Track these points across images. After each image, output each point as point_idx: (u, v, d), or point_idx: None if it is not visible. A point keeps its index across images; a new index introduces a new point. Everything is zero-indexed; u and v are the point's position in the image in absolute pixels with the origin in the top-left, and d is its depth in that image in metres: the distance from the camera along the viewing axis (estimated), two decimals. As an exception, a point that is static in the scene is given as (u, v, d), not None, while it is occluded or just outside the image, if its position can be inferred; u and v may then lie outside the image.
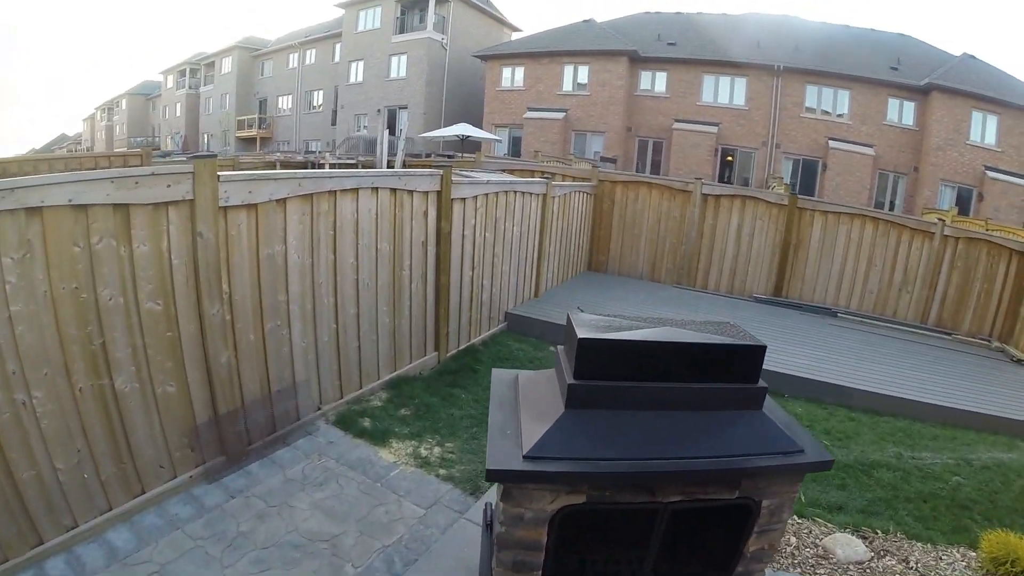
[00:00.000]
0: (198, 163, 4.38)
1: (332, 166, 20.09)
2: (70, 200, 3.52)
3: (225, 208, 4.58)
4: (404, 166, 19.09)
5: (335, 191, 5.64)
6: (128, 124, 66.00)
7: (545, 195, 9.88)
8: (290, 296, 5.35)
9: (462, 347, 8.00)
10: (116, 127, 68.99)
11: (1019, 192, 23.60)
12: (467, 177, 8.28)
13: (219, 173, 4.46)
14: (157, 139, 60.60)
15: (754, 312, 11.45)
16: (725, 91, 27.14)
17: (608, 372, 2.61)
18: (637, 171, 27.18)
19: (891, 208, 24.79)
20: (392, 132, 33.76)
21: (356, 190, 5.90)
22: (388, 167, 19.03)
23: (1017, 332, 10.92)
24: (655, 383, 2.65)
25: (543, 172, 13.34)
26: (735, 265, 12.55)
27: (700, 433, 2.62)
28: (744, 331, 2.88)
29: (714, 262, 12.70)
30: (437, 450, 5.62)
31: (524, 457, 2.38)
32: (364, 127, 37.30)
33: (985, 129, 24.52)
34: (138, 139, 60.64)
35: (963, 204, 23.70)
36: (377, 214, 6.21)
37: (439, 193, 7.00)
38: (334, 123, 40.84)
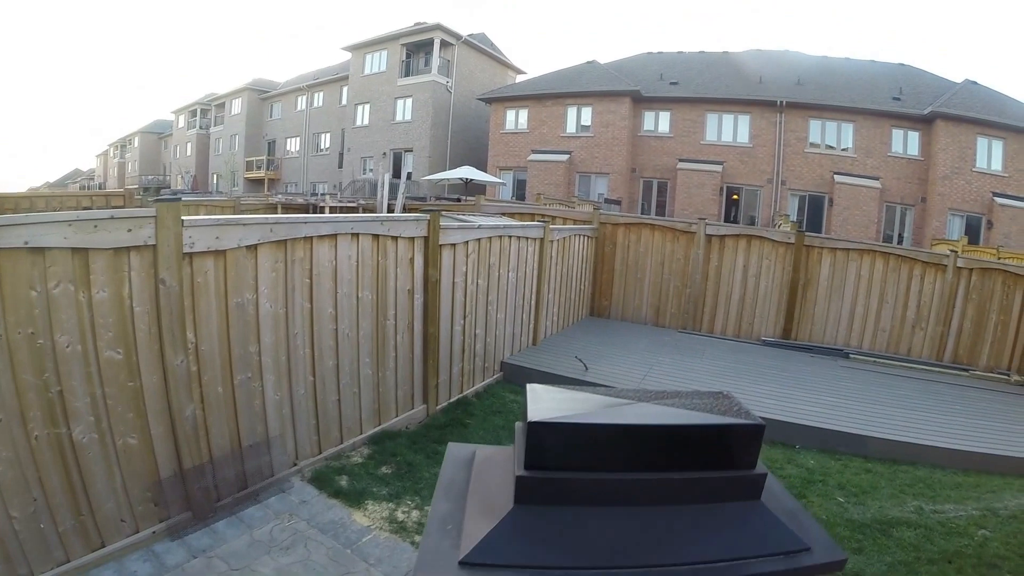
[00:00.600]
0: (160, 207, 4.17)
1: (332, 209, 19.94)
2: (26, 242, 3.43)
3: (190, 254, 4.38)
4: (405, 210, 18.96)
5: (311, 237, 5.41)
6: (140, 161, 67.37)
7: (542, 239, 9.64)
8: (262, 347, 5.09)
9: (453, 399, 7.71)
10: (128, 164, 70.37)
11: (1028, 217, 23.39)
12: (460, 221, 8.07)
13: (183, 218, 4.28)
14: (168, 177, 61.66)
15: (762, 356, 11.07)
16: (728, 129, 27.06)
17: (567, 461, 2.17)
18: (642, 212, 27.14)
19: (900, 240, 24.57)
20: (397, 175, 33.85)
21: (334, 236, 5.67)
22: (389, 211, 18.93)
23: None
24: (625, 474, 2.18)
25: (543, 215, 13.20)
26: (742, 307, 12.20)
27: (682, 534, 2.13)
28: (739, 405, 2.47)
29: (720, 305, 12.36)
30: (415, 514, 5.28)
31: (460, 563, 1.98)
32: (370, 170, 37.65)
33: (991, 155, 24.37)
34: (148, 177, 61.75)
35: (973, 232, 23.51)
36: (358, 261, 5.97)
37: (426, 239, 6.77)
38: (341, 165, 41.26)
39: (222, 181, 51.22)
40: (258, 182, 47.64)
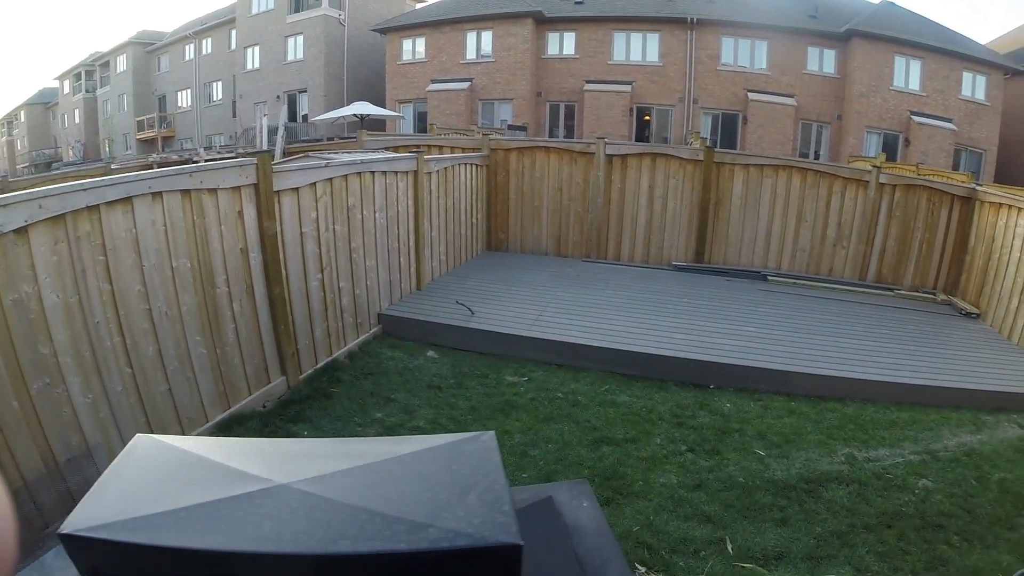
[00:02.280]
0: None
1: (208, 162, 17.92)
2: None
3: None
4: (286, 155, 17.18)
5: (97, 205, 4.21)
6: (29, 137, 60.43)
7: (416, 171, 8.42)
8: (57, 346, 4.01)
9: (321, 365, 6.69)
10: (17, 141, 63.69)
11: (945, 135, 23.60)
12: (326, 160, 6.94)
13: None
14: (59, 149, 56.27)
15: (673, 283, 10.06)
16: (637, 48, 26.01)
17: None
18: (550, 137, 25.85)
19: (816, 158, 24.35)
20: (293, 119, 31.87)
21: (128, 200, 4.44)
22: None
23: (963, 283, 9.98)
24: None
25: (429, 146, 11.89)
26: (649, 231, 11.18)
27: None
28: (494, 483, 1.21)
29: (626, 230, 11.30)
30: None
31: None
32: (264, 116, 34.94)
33: (909, 74, 24.43)
34: (37, 152, 56.15)
35: (890, 150, 23.30)
36: (166, 225, 4.78)
37: (256, 187, 5.60)
38: (235, 115, 38.30)
39: (115, 146, 46.97)
40: (151, 142, 43.32)
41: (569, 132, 26.54)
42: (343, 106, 30.18)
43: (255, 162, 5.63)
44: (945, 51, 24.19)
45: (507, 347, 7.26)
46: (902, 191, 10.36)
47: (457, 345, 7.37)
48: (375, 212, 7.59)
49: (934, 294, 10.17)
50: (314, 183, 6.40)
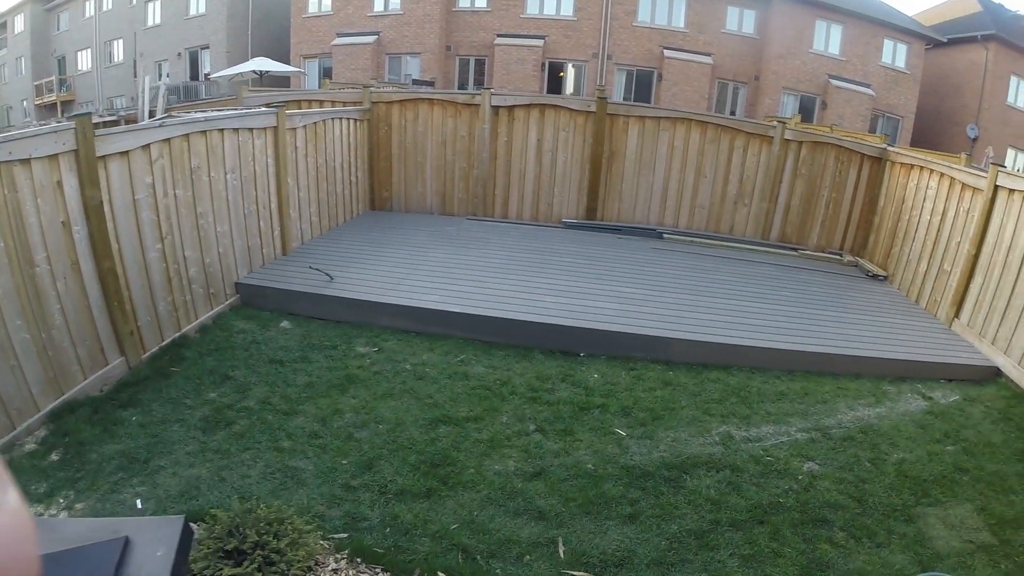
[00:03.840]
0: None
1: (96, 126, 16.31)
2: None
3: None
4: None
5: None
6: None
7: (276, 128, 7.70)
8: None
9: (167, 342, 6.15)
10: None
11: (863, 100, 23.68)
12: (165, 121, 6.29)
13: None
14: None
15: (561, 241, 9.34)
16: (552, 1, 25.14)
17: None
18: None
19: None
20: (195, 77, 30.30)
21: None
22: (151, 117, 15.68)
23: (872, 244, 9.62)
24: None
25: (310, 101, 11.04)
26: (538, 187, 10.41)
27: None
28: None
29: (513, 185, 10.50)
30: (64, 515, 3.75)
31: None
32: (166, 75, 32.63)
33: (829, 38, 24.43)
34: None
35: (807, 112, 23.31)
36: None
37: (76, 153, 5.02)
38: (136, 75, 35.68)
39: (13, 113, 43.55)
40: (51, 107, 40.22)
41: (479, 87, 25.48)
42: (246, 62, 28.56)
43: (73, 126, 5.00)
44: (867, 18, 24.24)
45: (364, 314, 6.61)
46: (809, 148, 9.84)
47: (314, 314, 6.70)
48: (226, 173, 6.93)
49: (840, 255, 9.74)
50: (147, 145, 5.77)
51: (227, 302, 7.01)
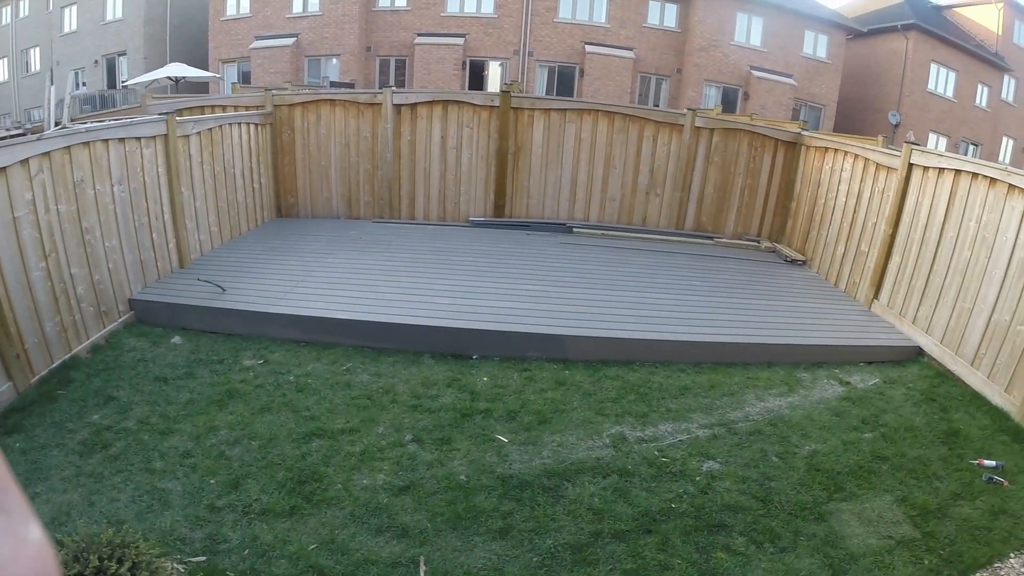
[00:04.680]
0: None
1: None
2: None
3: None
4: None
5: None
6: None
7: (167, 136, 7.36)
8: None
9: (57, 364, 5.83)
10: None
11: (784, 90, 23.99)
12: (44, 133, 5.92)
13: None
14: None
15: (467, 240, 9.00)
16: (472, -1, 24.94)
17: None
18: (379, 93, 24.51)
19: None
20: (113, 85, 29.07)
21: None
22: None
23: (789, 229, 9.53)
24: None
25: (213, 106, 10.48)
26: (443, 186, 10.07)
27: None
28: None
29: (419, 185, 10.14)
30: None
31: None
32: (83, 84, 31.48)
33: (751, 30, 24.65)
34: None
35: (729, 103, 23.56)
36: None
37: None
38: (53, 83, 34.25)
39: None
40: None
41: (400, 88, 25.10)
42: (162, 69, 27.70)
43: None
44: (788, 10, 24.57)
45: (254, 326, 6.26)
46: (721, 136, 9.71)
47: (206, 327, 6.34)
48: (112, 185, 6.60)
49: (758, 241, 9.61)
50: (26, 160, 5.52)
51: (120, 319, 6.67)
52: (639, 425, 4.48)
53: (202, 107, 10.48)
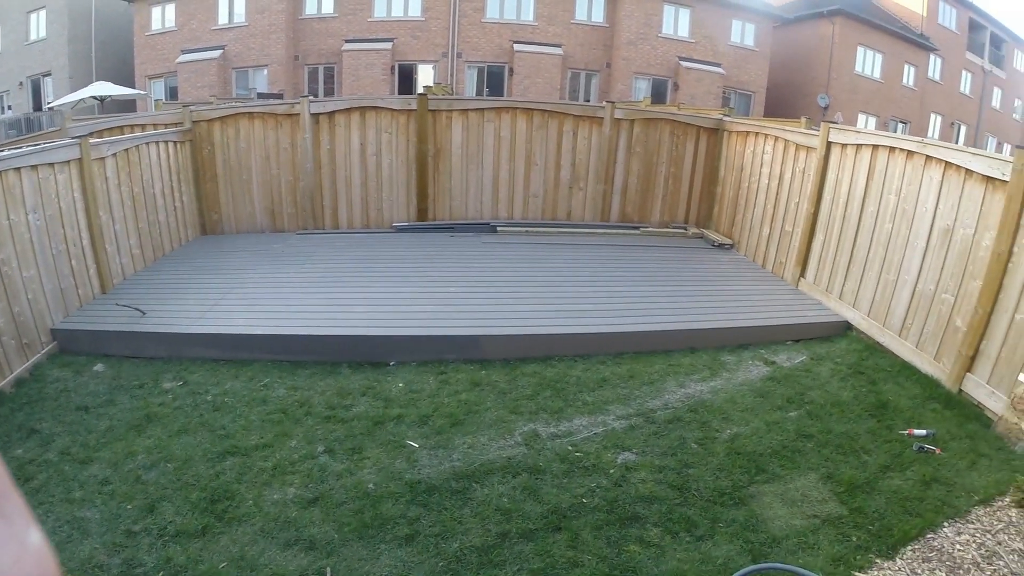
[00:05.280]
0: None
1: None
2: None
3: None
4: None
5: None
6: None
7: (81, 160, 7.13)
8: None
9: None
10: None
11: (714, 79, 24.31)
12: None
13: None
14: None
15: (390, 246, 8.90)
16: (399, 3, 24.75)
17: None
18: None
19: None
20: (39, 107, 28.21)
21: None
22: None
23: (716, 214, 9.59)
24: None
25: (133, 126, 10.20)
26: (365, 193, 9.95)
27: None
28: None
29: (341, 194, 10.00)
30: None
31: None
32: (8, 107, 30.45)
33: (678, 22, 24.95)
34: None
35: (659, 95, 23.83)
36: None
37: None
38: None
39: None
40: None
41: (329, 96, 24.85)
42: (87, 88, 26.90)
43: None
44: (715, 0, 24.90)
45: (174, 347, 6.09)
46: (642, 126, 9.73)
47: (128, 352, 6.15)
48: (26, 214, 6.37)
49: (685, 228, 9.65)
50: None
51: (44, 350, 6.42)
52: (553, 421, 4.40)
53: (122, 127, 10.18)
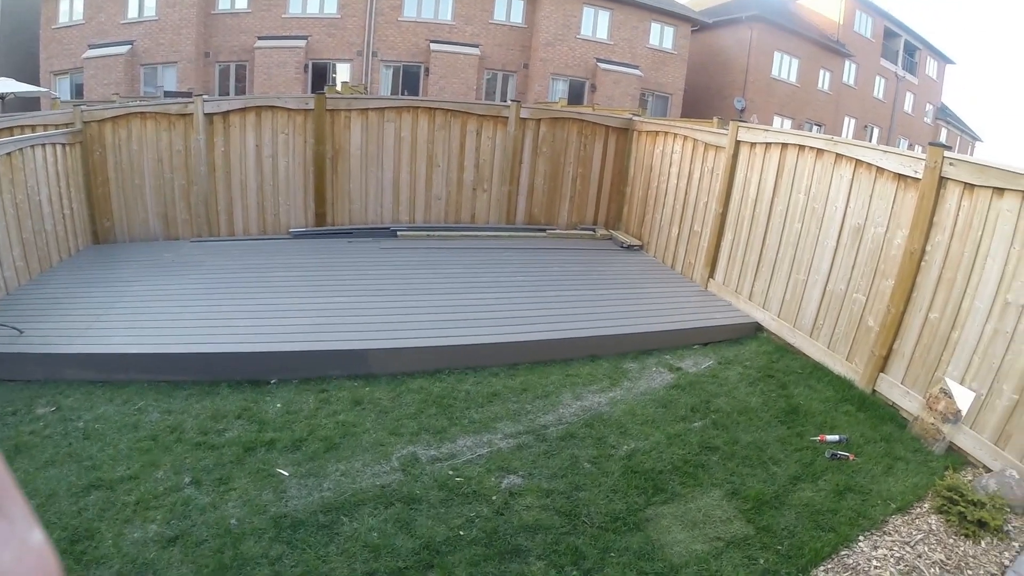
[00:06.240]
0: None
1: None
2: None
3: None
4: None
5: None
6: None
7: None
8: None
9: None
10: None
11: (631, 81, 24.60)
12: None
13: None
14: None
15: (286, 254, 8.48)
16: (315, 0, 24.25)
17: None
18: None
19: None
20: None
21: None
22: None
23: (626, 215, 9.51)
24: None
25: (23, 126, 9.39)
26: (262, 198, 9.51)
27: None
28: None
29: (236, 199, 9.52)
30: None
31: None
32: None
33: (597, 24, 25.21)
34: None
35: (576, 96, 24.08)
36: None
37: None
38: None
39: None
40: None
41: (240, 95, 24.09)
42: (-2, 84, 25.34)
43: None
44: (634, 3, 25.26)
45: (50, 369, 5.58)
46: (548, 125, 9.56)
47: (3, 375, 5.61)
48: None
49: (594, 230, 9.53)
50: None
51: None
52: (435, 443, 4.11)
53: (11, 128, 9.53)
